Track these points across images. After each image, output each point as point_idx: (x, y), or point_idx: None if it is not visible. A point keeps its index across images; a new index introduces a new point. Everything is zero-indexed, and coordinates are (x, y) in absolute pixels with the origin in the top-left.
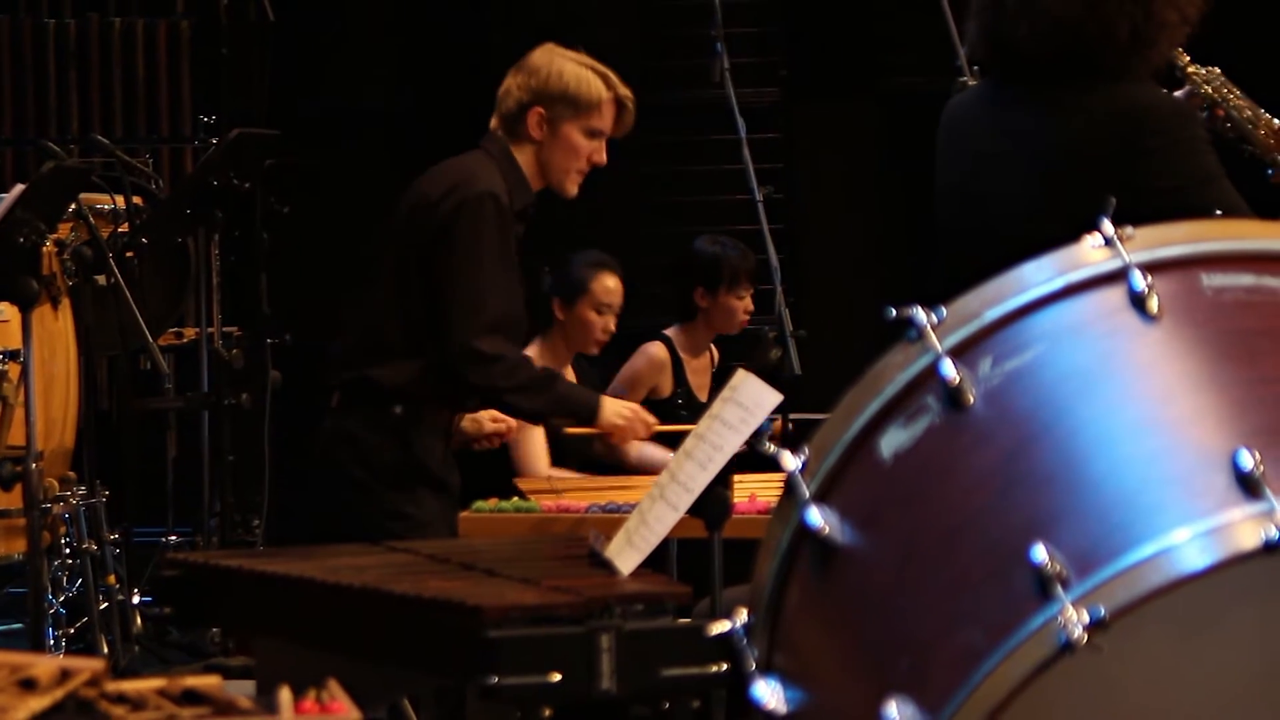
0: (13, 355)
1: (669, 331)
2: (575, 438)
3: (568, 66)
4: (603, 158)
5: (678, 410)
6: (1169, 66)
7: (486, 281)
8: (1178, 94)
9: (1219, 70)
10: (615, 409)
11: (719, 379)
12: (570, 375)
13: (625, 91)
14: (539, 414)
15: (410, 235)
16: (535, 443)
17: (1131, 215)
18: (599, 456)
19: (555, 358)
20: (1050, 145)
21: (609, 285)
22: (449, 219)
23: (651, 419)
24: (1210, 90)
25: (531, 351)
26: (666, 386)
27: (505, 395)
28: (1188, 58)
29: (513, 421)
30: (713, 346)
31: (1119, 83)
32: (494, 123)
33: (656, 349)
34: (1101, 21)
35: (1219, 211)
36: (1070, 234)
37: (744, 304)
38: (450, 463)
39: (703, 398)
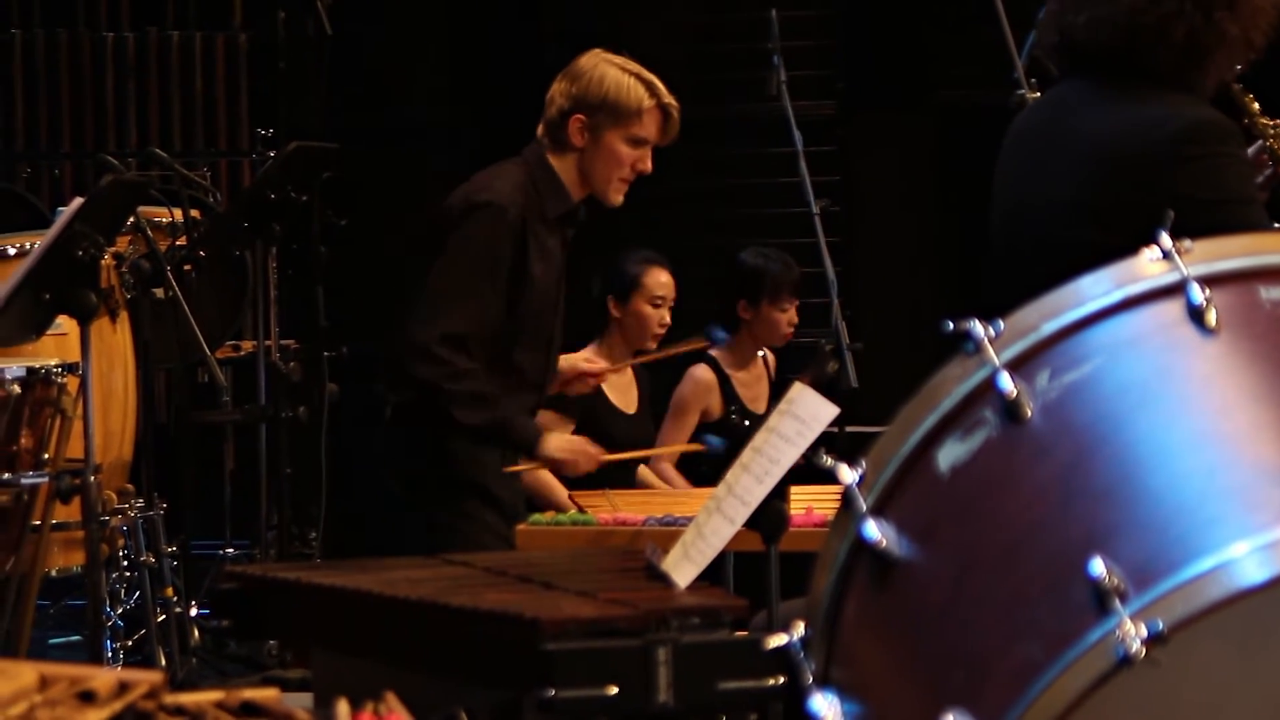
0: (71, 368)
1: (714, 351)
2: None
3: (610, 73)
4: (648, 165)
5: (736, 426)
6: (1239, 113)
7: (460, 289)
8: (1250, 150)
9: None
10: (558, 443)
11: (778, 389)
12: (632, 385)
13: (670, 99)
14: (479, 431)
15: (432, 243)
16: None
17: (1157, 220)
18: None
19: (613, 357)
20: (1094, 148)
21: (661, 279)
22: (451, 224)
23: (599, 451)
24: (1277, 146)
25: (589, 353)
26: (717, 407)
27: (448, 402)
28: (1258, 106)
29: (605, 363)
30: (768, 353)
31: (1172, 93)
32: (540, 129)
33: (702, 371)
34: (1159, 18)
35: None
36: (1105, 239)
37: (787, 316)
38: (508, 477)
39: (759, 409)
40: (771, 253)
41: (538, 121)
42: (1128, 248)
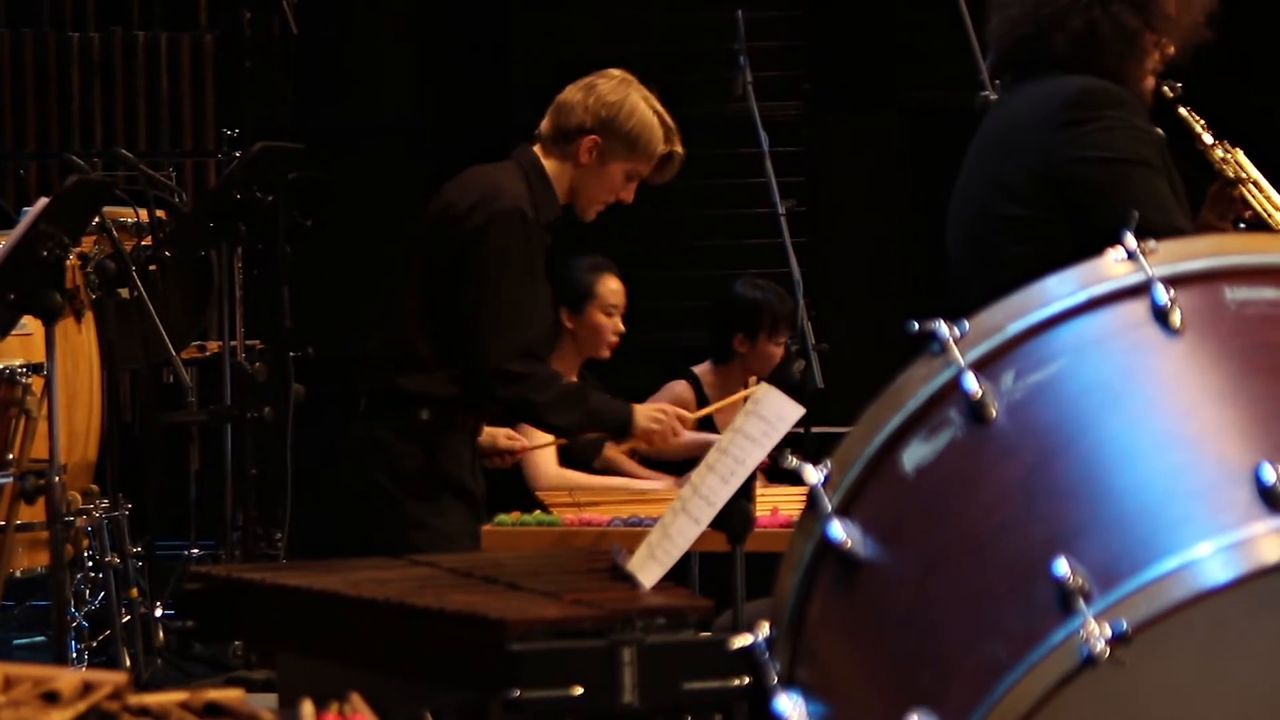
0: (36, 368)
1: (698, 370)
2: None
3: (640, 108)
4: (630, 197)
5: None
6: (1188, 137)
7: (517, 301)
8: (1212, 187)
9: (1240, 153)
10: (648, 414)
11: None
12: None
13: (680, 149)
14: (574, 428)
15: (439, 245)
16: (542, 454)
17: (1052, 185)
18: (607, 465)
19: (565, 366)
20: (1002, 129)
21: (613, 286)
22: (477, 234)
23: (687, 414)
24: (1229, 171)
25: None
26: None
27: (541, 411)
28: (1209, 139)
29: (526, 441)
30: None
31: (1068, 74)
32: (545, 126)
33: (681, 388)
34: (1057, 10)
35: (1139, 197)
36: (1020, 211)
37: (782, 350)
38: (478, 469)
39: None
40: (765, 284)
41: (506, 121)
42: (1041, 218)
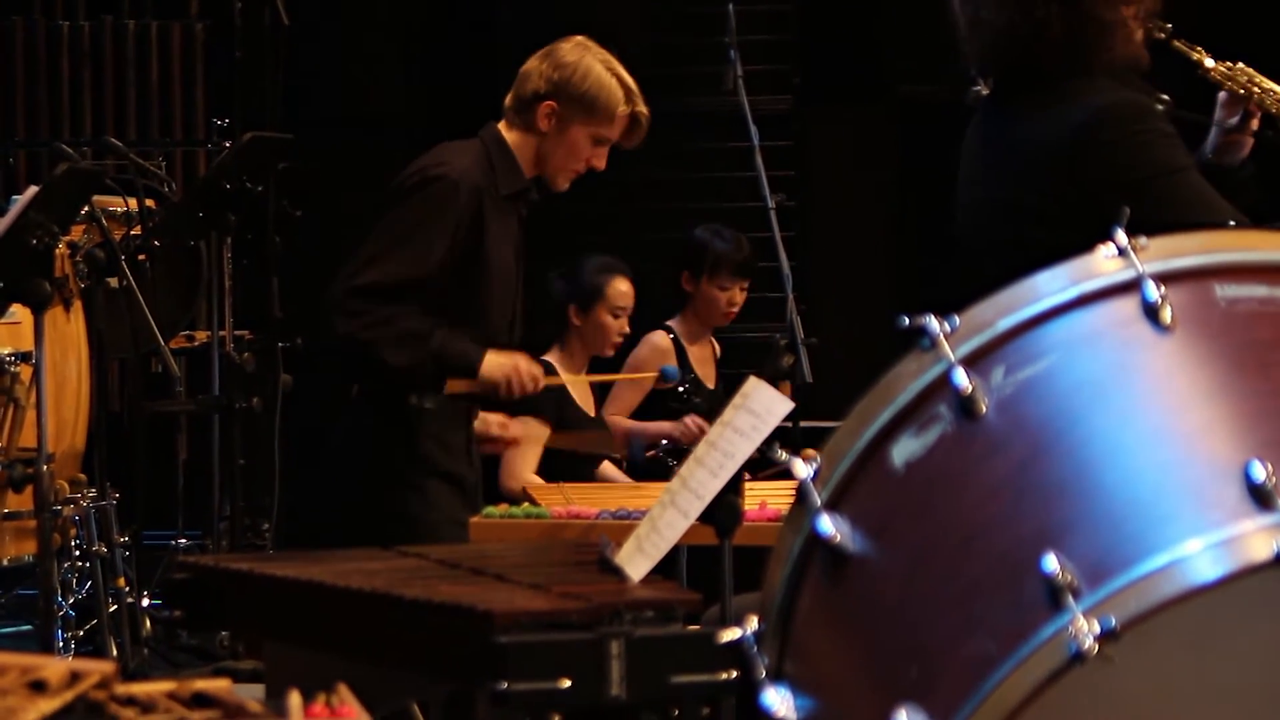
0: (25, 357)
1: (671, 321)
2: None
3: (595, 69)
4: (601, 164)
5: (688, 397)
6: (1190, 65)
7: (388, 248)
8: (1221, 94)
9: (1243, 65)
10: (497, 361)
11: (730, 382)
12: (588, 388)
13: (643, 109)
14: (415, 368)
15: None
16: (525, 453)
17: (1090, 208)
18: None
19: (573, 362)
20: (1023, 149)
21: (622, 289)
22: (396, 192)
23: (538, 370)
24: (1238, 86)
25: (551, 358)
26: None
27: (377, 350)
28: (1210, 61)
29: (517, 430)
30: (713, 340)
31: (1072, 85)
32: (508, 100)
33: (659, 337)
34: (1033, 24)
35: (1191, 204)
36: (1051, 236)
37: (727, 295)
38: (474, 455)
39: (710, 385)
40: (725, 232)
41: (493, 112)
42: (1076, 244)
